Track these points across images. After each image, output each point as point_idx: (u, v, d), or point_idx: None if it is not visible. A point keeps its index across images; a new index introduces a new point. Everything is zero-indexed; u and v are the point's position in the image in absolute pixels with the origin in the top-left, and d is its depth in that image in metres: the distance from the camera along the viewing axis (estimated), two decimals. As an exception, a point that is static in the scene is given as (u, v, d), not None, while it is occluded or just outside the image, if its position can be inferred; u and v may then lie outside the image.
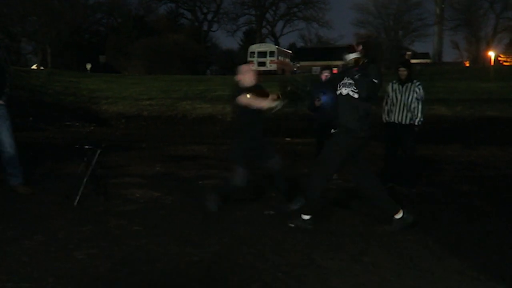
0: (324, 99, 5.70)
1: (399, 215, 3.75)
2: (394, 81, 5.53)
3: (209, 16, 44.47)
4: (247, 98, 4.12)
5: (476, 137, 11.00)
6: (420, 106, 5.37)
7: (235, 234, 3.64)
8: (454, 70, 21.99)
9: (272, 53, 27.93)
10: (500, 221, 4.10)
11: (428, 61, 36.20)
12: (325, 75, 5.85)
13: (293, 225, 3.81)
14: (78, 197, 4.29)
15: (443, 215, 4.33)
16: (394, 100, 5.43)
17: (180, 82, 21.48)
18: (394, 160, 5.60)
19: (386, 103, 5.59)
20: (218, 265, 3.01)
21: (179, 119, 15.33)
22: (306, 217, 3.80)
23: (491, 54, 37.10)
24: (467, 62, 37.30)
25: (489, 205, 4.72)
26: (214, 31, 49.04)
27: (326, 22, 44.12)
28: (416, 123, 5.37)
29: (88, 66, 28.56)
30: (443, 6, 35.44)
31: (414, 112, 5.36)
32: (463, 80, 17.07)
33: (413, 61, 27.06)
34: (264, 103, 4.09)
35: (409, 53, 33.00)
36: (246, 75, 4.31)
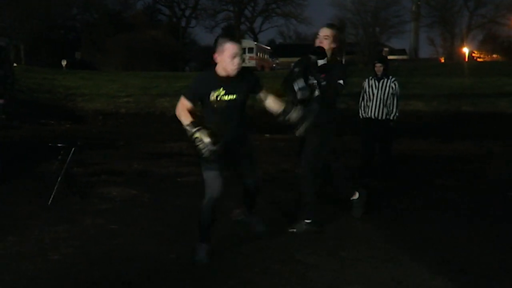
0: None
1: (355, 196, 3.91)
2: (371, 77, 5.59)
3: (187, 12, 44.11)
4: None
5: (452, 131, 11.23)
6: (395, 102, 5.45)
7: (212, 231, 3.62)
8: (430, 66, 22.40)
9: (251, 50, 27.99)
10: (474, 215, 4.19)
11: (405, 57, 36.77)
12: None
13: (294, 230, 3.58)
14: (52, 196, 4.20)
15: (419, 209, 4.40)
16: (371, 96, 5.49)
17: (158, 79, 21.25)
18: (371, 155, 5.67)
19: (363, 98, 5.65)
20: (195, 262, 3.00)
21: (158, 116, 15.18)
22: (308, 220, 3.61)
23: (466, 50, 37.94)
24: (443, 58, 38.01)
25: (465, 198, 4.82)
26: (192, 27, 48.74)
27: (305, 18, 44.23)
28: (392, 118, 5.45)
29: (64, 62, 27.98)
30: (419, 3, 36.06)
31: (390, 107, 5.44)
32: (438, 76, 17.40)
33: (390, 57, 27.44)
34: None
35: (386, 49, 33.38)
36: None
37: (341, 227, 3.77)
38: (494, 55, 39.98)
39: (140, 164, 6.71)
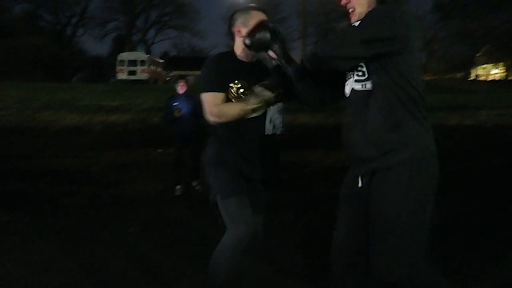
0: (183, 109, 5.70)
1: None
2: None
3: (73, 20, 41.67)
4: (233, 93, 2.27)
5: (335, 142, 12.11)
6: (281, 117, 5.73)
7: (97, 255, 3.45)
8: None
9: (143, 62, 27.25)
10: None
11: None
12: (181, 85, 5.90)
13: None
14: None
15: (304, 218, 4.65)
16: (258, 111, 5.71)
17: (41, 90, 19.68)
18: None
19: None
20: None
21: (40, 131, 13.98)
22: None
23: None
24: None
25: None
26: (79, 36, 45.85)
27: (198, 31, 44.61)
28: (277, 133, 5.71)
29: None
30: (305, 23, 38.58)
31: (275, 122, 5.70)
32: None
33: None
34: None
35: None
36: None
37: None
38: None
39: (16, 185, 6.13)
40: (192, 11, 42.69)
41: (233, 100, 2.27)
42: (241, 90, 2.26)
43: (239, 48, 2.31)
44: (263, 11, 2.33)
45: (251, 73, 2.28)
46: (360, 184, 1.89)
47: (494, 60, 37.78)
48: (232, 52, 2.35)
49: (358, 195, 1.90)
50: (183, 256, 3.43)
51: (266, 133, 4.88)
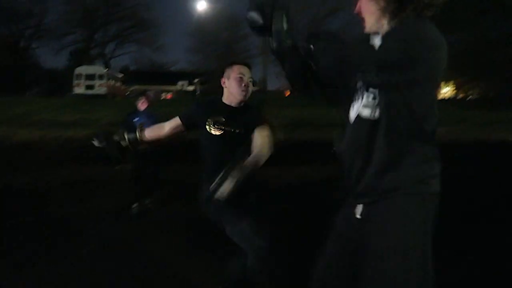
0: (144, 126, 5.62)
1: None
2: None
3: (29, 32, 40.39)
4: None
5: (295, 158, 12.28)
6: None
7: (50, 276, 3.34)
8: (276, 98, 24.34)
9: (101, 76, 26.70)
10: (303, 235, 4.60)
11: (256, 88, 39.33)
12: (141, 102, 5.83)
13: None
14: None
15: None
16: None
17: (-8, 104, 18.89)
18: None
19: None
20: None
21: (-11, 148, 13.40)
22: None
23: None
24: (288, 91, 41.55)
25: (300, 220, 5.28)
26: (34, 49, 44.25)
27: (159, 46, 44.33)
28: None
29: None
30: (266, 41, 39.23)
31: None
32: (284, 106, 18.98)
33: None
34: None
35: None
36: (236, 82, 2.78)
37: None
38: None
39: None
40: (153, 26, 42.41)
41: (212, 131, 2.71)
42: (217, 124, 2.72)
43: (225, 96, 2.83)
44: (246, 64, 2.84)
45: (231, 115, 2.75)
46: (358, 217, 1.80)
47: (444, 79, 39.63)
48: (221, 98, 2.87)
49: (353, 229, 1.82)
50: (139, 276, 3.37)
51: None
